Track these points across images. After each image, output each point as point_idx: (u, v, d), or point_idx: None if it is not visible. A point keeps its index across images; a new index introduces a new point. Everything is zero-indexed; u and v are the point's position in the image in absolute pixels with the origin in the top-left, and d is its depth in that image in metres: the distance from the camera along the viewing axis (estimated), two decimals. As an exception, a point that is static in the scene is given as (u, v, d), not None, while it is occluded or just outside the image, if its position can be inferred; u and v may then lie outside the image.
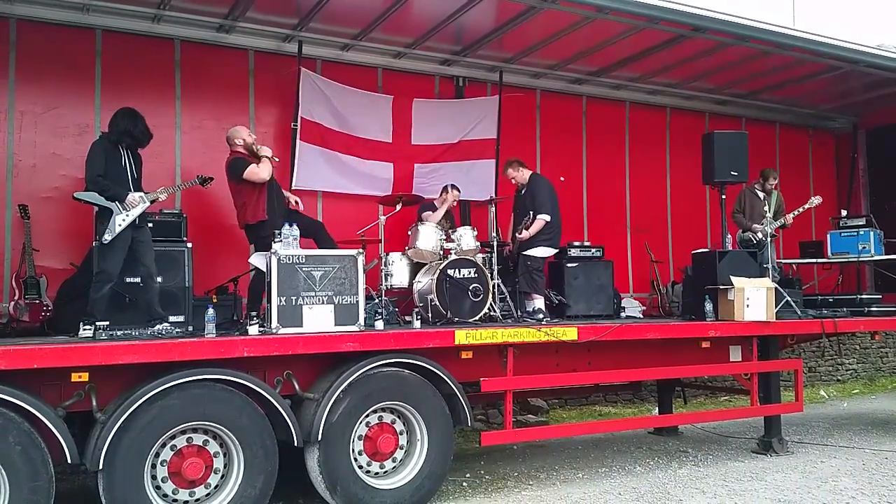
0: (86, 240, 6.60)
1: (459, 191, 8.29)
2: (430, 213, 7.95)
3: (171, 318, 6.14)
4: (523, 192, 8.13)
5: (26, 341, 5.11)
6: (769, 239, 8.68)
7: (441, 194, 8.26)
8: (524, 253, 7.78)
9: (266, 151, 6.71)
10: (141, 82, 7.51)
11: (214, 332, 5.31)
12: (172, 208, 7.11)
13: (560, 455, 7.49)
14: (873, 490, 6.12)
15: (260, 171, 6.55)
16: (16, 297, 6.55)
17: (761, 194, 9.12)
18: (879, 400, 11.28)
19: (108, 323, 5.28)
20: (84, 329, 5.38)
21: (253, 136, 6.86)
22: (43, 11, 7.13)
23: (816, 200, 9.08)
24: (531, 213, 7.79)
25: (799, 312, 7.83)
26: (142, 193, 5.83)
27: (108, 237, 5.64)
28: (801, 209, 9.05)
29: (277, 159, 6.86)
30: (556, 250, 8.10)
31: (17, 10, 7.05)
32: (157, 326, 5.58)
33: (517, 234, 7.83)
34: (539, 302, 7.70)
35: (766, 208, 8.91)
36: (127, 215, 5.70)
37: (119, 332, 5.26)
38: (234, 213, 7.89)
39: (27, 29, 7.15)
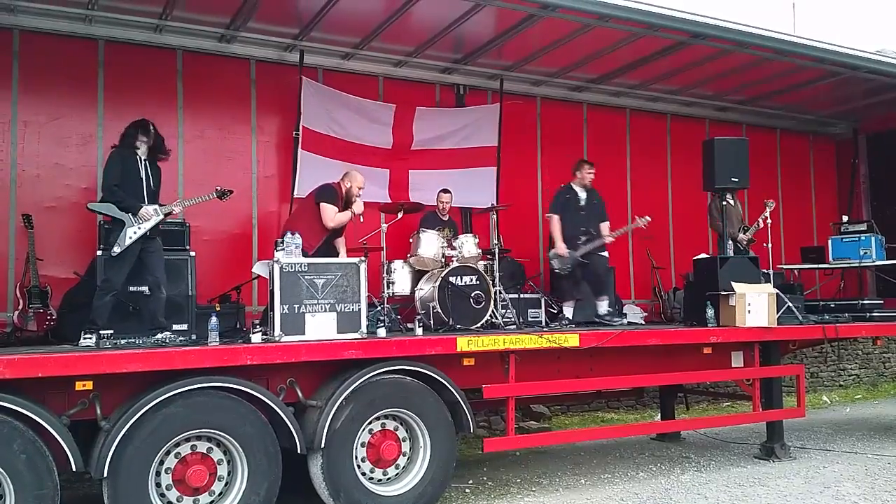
0: (90, 249, 6.63)
1: (449, 193, 8.32)
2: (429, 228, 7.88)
3: (175, 327, 6.17)
4: (587, 196, 8.05)
5: (31, 350, 5.13)
6: (747, 245, 8.68)
7: (436, 200, 8.30)
8: (602, 255, 7.91)
9: (357, 207, 6.79)
10: (143, 92, 7.57)
11: (218, 340, 5.34)
12: (176, 217, 7.14)
13: (563, 461, 7.49)
14: (876, 495, 6.10)
15: (333, 217, 6.64)
16: (20, 307, 6.59)
17: (732, 200, 9.04)
18: (882, 405, 11.26)
19: (111, 332, 5.31)
20: (85, 338, 5.40)
21: (360, 192, 6.91)
22: (45, 22, 7.19)
23: (770, 206, 8.74)
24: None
25: (800, 318, 7.82)
26: (156, 206, 5.82)
27: (117, 249, 5.65)
28: (761, 218, 8.71)
29: (362, 219, 6.91)
30: None
31: (20, 20, 7.11)
32: (159, 335, 5.60)
33: (608, 234, 7.95)
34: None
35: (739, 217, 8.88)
36: (139, 228, 5.70)
37: (123, 341, 5.29)
38: (237, 222, 7.98)
39: (30, 39, 7.21)
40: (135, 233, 5.68)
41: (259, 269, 6.18)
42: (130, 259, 5.74)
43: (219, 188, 6.25)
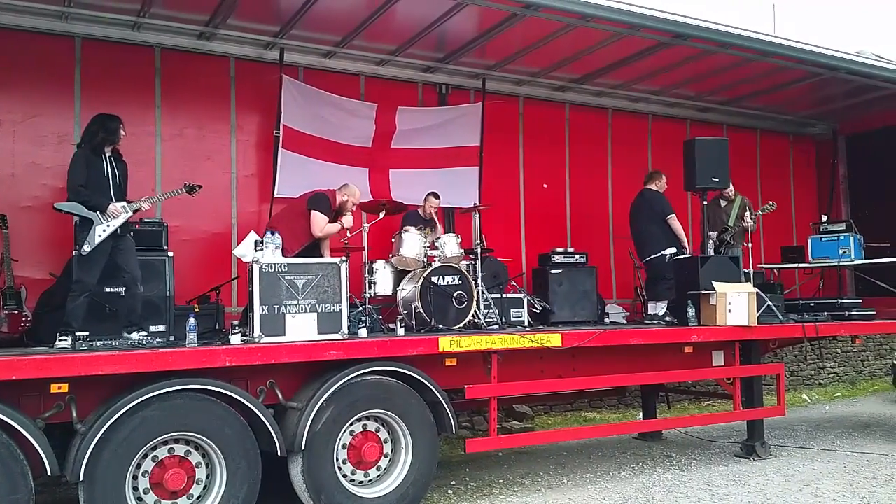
0: (66, 249, 6.53)
1: (439, 198, 8.29)
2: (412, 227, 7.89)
3: (153, 328, 6.11)
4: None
5: (5, 352, 5.03)
6: (723, 246, 8.76)
7: (423, 202, 8.26)
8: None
9: (346, 221, 6.93)
10: (121, 90, 7.46)
11: (196, 341, 5.26)
12: (153, 217, 7.07)
13: (545, 461, 7.48)
14: (854, 492, 6.15)
15: (322, 227, 6.72)
16: (-6, 309, 6.48)
17: (723, 202, 9.20)
18: (861, 403, 11.37)
19: (87, 333, 5.23)
20: (60, 340, 5.31)
21: (353, 207, 7.07)
22: (21, 19, 7.07)
23: (770, 207, 9.08)
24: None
25: (780, 317, 7.86)
26: (124, 203, 5.75)
27: (87, 248, 5.57)
28: (758, 213, 9.05)
29: (349, 234, 7.03)
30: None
31: (-5, 18, 6.99)
32: (135, 335, 5.53)
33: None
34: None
35: (726, 216, 9.00)
36: (108, 226, 5.63)
37: (99, 343, 5.21)
38: (216, 222, 7.91)
39: (5, 37, 7.07)
40: (104, 231, 5.60)
41: (240, 250, 6.01)
42: (101, 258, 5.66)
43: (187, 183, 6.21)
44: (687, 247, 8.33)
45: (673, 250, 8.19)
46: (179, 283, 6.77)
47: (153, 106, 7.71)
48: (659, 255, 8.25)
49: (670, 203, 8.57)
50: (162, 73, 7.77)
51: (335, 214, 6.95)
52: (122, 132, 5.90)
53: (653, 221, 8.38)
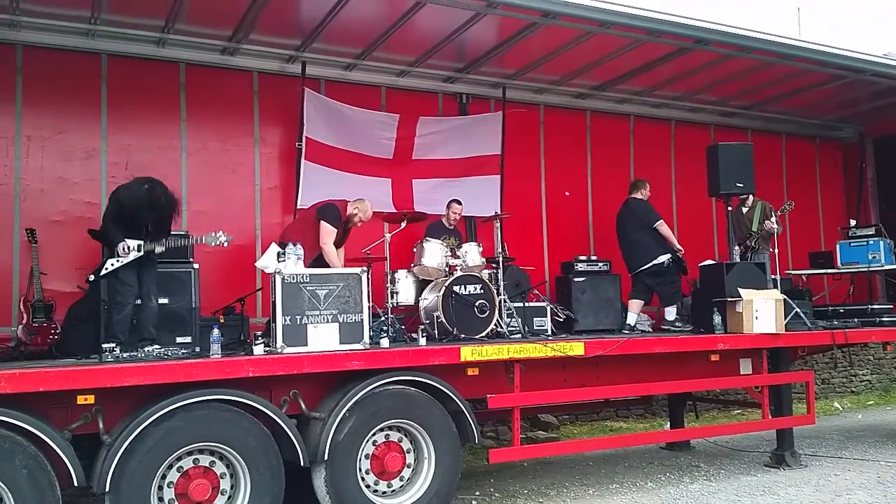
0: (93, 263, 6.61)
1: (461, 205, 8.30)
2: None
3: (178, 339, 6.18)
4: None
5: (33, 364, 5.12)
6: (750, 252, 8.66)
7: (446, 210, 8.28)
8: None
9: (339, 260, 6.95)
10: (146, 105, 7.61)
11: (220, 352, 5.31)
12: (179, 229, 7.13)
13: (570, 471, 7.43)
14: (888, 503, 6.02)
15: (326, 241, 6.75)
16: (24, 321, 6.58)
17: (744, 209, 9.09)
18: (895, 411, 11.14)
19: (112, 345, 5.29)
20: (107, 350, 5.35)
21: (360, 223, 7.11)
22: (48, 37, 7.22)
23: (788, 206, 8.97)
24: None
25: (809, 324, 7.75)
26: (139, 243, 5.77)
27: (91, 277, 5.91)
28: (777, 213, 8.91)
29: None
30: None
31: (23, 36, 7.14)
32: (148, 347, 5.59)
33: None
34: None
35: (749, 222, 8.90)
36: (117, 261, 5.74)
37: (124, 354, 5.27)
38: (240, 234, 7.94)
39: (33, 54, 7.24)
40: (111, 265, 5.73)
41: (263, 262, 6.04)
42: (132, 272, 5.76)
43: (215, 233, 5.99)
44: (682, 249, 8.17)
45: (668, 256, 8.08)
46: (205, 294, 6.82)
47: (178, 120, 7.82)
48: (656, 262, 8.11)
49: (659, 211, 8.46)
50: (186, 88, 7.88)
51: (344, 225, 6.98)
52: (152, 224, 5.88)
53: (641, 230, 8.24)
